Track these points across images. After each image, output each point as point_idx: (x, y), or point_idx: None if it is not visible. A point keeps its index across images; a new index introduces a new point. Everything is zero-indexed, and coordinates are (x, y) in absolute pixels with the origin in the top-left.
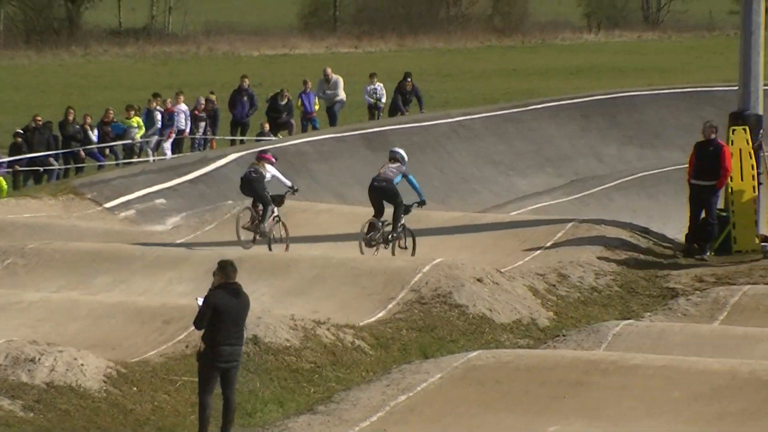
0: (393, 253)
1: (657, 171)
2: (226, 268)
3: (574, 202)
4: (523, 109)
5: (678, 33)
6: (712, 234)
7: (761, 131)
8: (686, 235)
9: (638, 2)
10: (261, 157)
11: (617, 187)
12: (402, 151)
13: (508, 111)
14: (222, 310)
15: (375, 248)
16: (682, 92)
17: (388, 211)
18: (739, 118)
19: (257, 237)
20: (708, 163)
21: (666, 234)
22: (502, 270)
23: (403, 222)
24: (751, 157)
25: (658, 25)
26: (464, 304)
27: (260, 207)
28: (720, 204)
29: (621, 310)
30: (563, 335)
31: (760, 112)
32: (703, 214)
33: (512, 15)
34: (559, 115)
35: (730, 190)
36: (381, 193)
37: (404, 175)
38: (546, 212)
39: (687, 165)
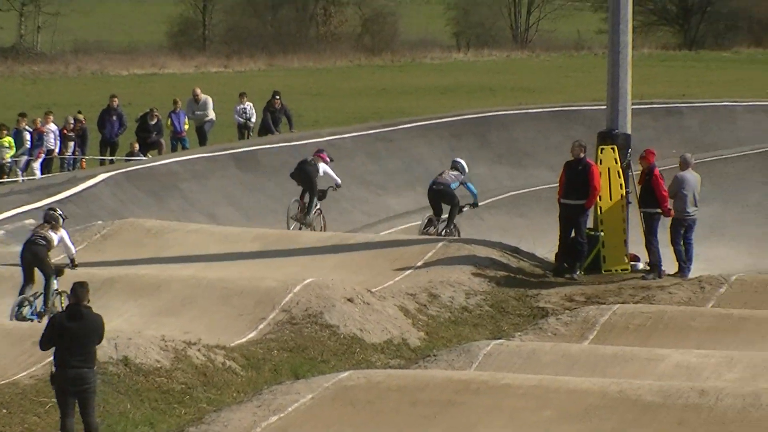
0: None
1: (527, 190)
2: (75, 290)
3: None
4: (394, 128)
5: (546, 52)
6: (581, 253)
7: (630, 150)
8: (556, 254)
9: (507, 21)
10: (318, 155)
11: (487, 207)
12: (463, 162)
13: (379, 130)
14: (63, 333)
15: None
16: (552, 111)
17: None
18: (607, 137)
19: (302, 227)
20: (577, 183)
21: (536, 253)
22: (373, 290)
23: (455, 221)
24: (619, 176)
25: (527, 44)
26: (335, 324)
27: (306, 198)
28: (589, 223)
29: (491, 329)
30: (434, 355)
31: (629, 131)
32: (573, 234)
33: (382, 34)
34: (430, 134)
35: (599, 210)
36: (438, 195)
37: (463, 183)
38: (417, 232)
39: (557, 184)
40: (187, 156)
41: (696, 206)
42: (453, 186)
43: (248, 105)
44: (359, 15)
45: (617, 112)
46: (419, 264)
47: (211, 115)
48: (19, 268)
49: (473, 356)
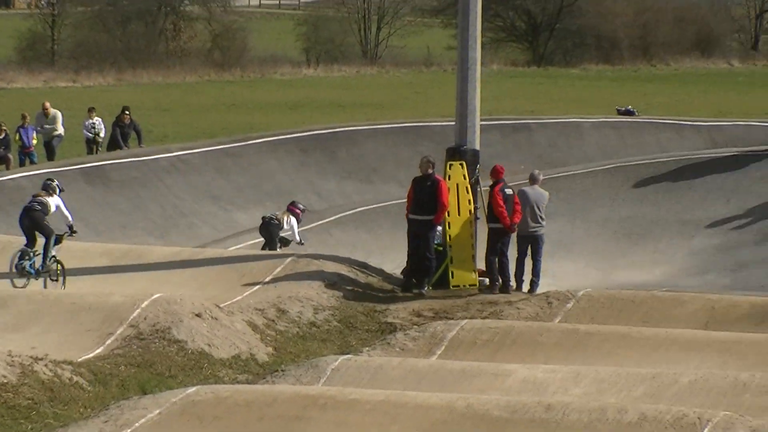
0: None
1: (376, 205)
2: None
3: (304, 236)
4: (243, 143)
5: (396, 68)
6: (430, 269)
7: (478, 166)
8: (404, 270)
9: (357, 37)
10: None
11: (336, 222)
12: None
13: (228, 145)
14: None
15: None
16: (401, 127)
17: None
18: (456, 153)
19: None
20: (425, 198)
21: (384, 269)
22: (221, 305)
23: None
24: (468, 192)
25: (377, 60)
26: (183, 339)
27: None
28: (438, 239)
29: (340, 344)
30: (282, 370)
31: (477, 147)
32: (421, 249)
33: (231, 50)
34: (279, 149)
35: (447, 225)
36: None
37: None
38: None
39: (405, 200)
40: (35, 171)
41: (540, 222)
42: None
43: (97, 120)
44: (209, 30)
45: (466, 128)
46: (268, 279)
47: (60, 129)
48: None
49: (321, 371)
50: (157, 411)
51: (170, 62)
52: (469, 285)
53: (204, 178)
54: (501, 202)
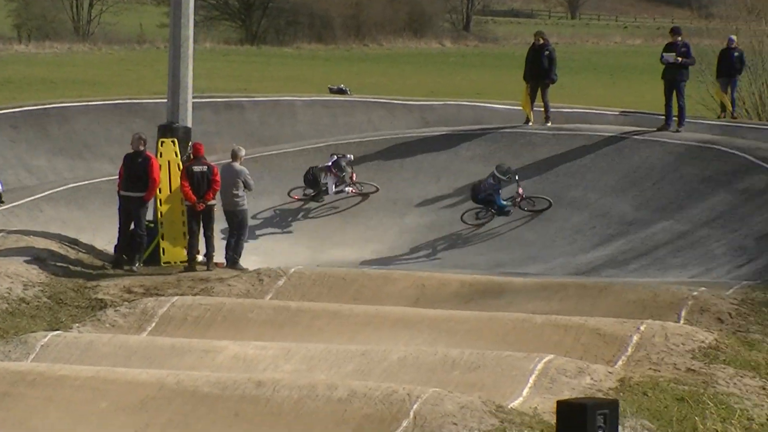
0: None
1: (87, 182)
2: None
3: (3, 213)
4: None
5: (108, 45)
6: (141, 245)
7: (191, 144)
8: (115, 246)
9: (69, 14)
10: None
11: (47, 198)
12: None
13: None
14: None
15: None
16: (113, 104)
17: None
18: (168, 130)
19: None
20: (137, 175)
21: (95, 245)
22: None
23: None
24: (179, 169)
25: (89, 36)
26: None
27: None
28: (149, 216)
29: (50, 321)
30: None
31: (189, 124)
32: (132, 226)
33: None
34: None
35: (159, 202)
36: None
37: None
38: None
39: (117, 176)
40: None
41: (239, 197)
42: None
43: None
44: None
45: (177, 105)
46: None
47: None
48: None
49: (30, 348)
50: None
51: None
52: (180, 262)
53: None
54: (184, 182)
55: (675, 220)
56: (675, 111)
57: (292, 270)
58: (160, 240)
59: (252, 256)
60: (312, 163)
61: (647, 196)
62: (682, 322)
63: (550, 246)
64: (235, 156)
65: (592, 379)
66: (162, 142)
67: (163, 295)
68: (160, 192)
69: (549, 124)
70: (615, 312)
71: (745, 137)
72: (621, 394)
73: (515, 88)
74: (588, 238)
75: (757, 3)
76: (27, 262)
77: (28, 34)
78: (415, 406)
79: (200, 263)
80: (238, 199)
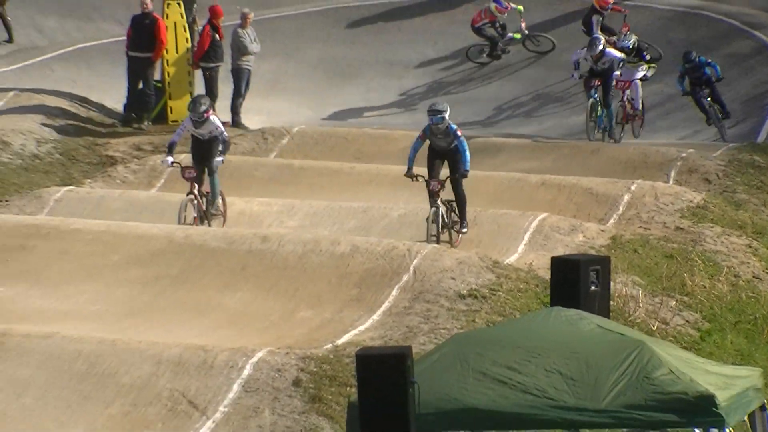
0: None
1: (96, 43)
2: None
3: (15, 72)
4: None
5: None
6: (149, 104)
7: (195, 7)
8: (125, 105)
9: None
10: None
11: (58, 58)
12: None
13: None
14: None
15: None
16: None
17: None
18: None
19: None
20: (144, 36)
21: (105, 104)
22: None
23: None
24: (185, 31)
25: None
26: None
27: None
28: (156, 75)
29: (62, 176)
30: (6, 201)
31: None
32: (141, 85)
33: None
34: None
35: (166, 62)
36: None
37: None
38: None
39: (125, 37)
40: None
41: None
42: None
43: None
44: None
45: None
46: None
47: None
48: None
49: (44, 202)
50: None
51: None
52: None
53: None
54: (206, 42)
55: (664, 84)
56: None
57: (296, 129)
58: (168, 99)
59: (256, 116)
60: (314, 27)
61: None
62: (671, 182)
63: (544, 106)
64: (243, 20)
65: (584, 236)
66: (168, 4)
67: (143, 158)
68: (167, 53)
69: None
70: (607, 172)
71: (731, 3)
72: (612, 251)
73: None
74: (580, 99)
75: None
76: (40, 119)
77: None
78: (415, 261)
79: None
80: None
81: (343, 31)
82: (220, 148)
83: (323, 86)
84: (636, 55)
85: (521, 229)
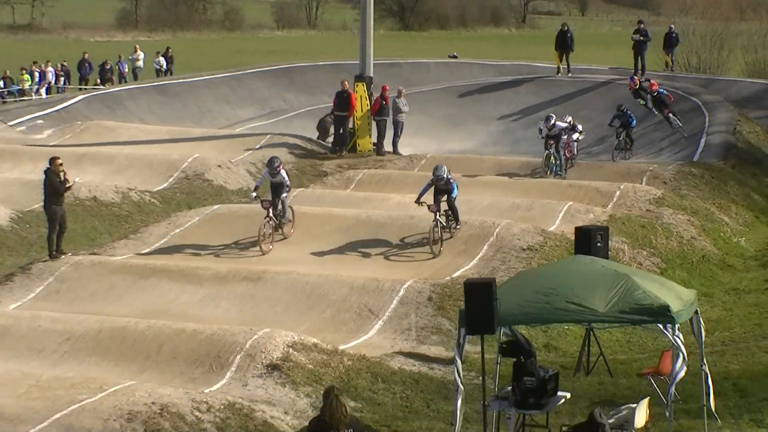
0: None
1: (314, 107)
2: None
3: (270, 124)
4: (244, 71)
5: (326, 30)
6: (346, 141)
7: (372, 86)
8: (332, 142)
9: (305, 11)
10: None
11: (295, 116)
12: None
13: (233, 73)
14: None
15: None
16: (330, 64)
17: None
18: (360, 78)
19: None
20: (343, 103)
21: (322, 142)
22: (232, 160)
23: None
24: (366, 99)
25: (315, 25)
26: (211, 179)
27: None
28: (350, 125)
29: (298, 183)
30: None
31: (371, 74)
32: (341, 131)
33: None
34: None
35: (355, 117)
36: None
37: None
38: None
39: (332, 105)
40: (127, 87)
41: (400, 115)
42: None
43: (150, 57)
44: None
45: (365, 64)
46: (257, 147)
47: (141, 63)
48: None
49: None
50: (197, 218)
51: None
52: (367, 150)
53: (221, 90)
54: (377, 105)
55: (639, 127)
56: (639, 67)
57: (429, 155)
58: (356, 138)
59: (407, 148)
60: (438, 95)
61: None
62: (644, 184)
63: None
64: (399, 93)
65: (593, 215)
66: (357, 85)
67: (358, 169)
68: (356, 112)
69: (569, 75)
70: (606, 178)
71: (679, 81)
72: (610, 224)
73: (551, 54)
74: (589, 137)
75: (686, 4)
76: (285, 151)
77: (282, 24)
78: (497, 229)
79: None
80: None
81: (456, 99)
82: (286, 189)
83: (444, 131)
84: (572, 127)
85: (557, 211)
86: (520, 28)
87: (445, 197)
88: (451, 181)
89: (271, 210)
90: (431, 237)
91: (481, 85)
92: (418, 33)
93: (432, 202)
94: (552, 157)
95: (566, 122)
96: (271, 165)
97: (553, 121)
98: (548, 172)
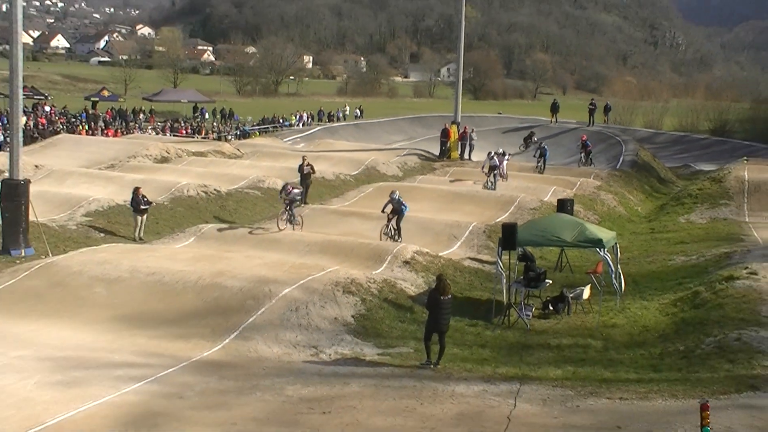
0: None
1: (420, 139)
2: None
3: (412, 144)
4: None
5: (407, 98)
6: (446, 153)
7: (458, 123)
8: (440, 152)
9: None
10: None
11: (421, 142)
12: None
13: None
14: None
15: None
16: (417, 117)
17: None
18: (453, 121)
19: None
20: (444, 135)
21: (433, 152)
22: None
23: None
24: (457, 132)
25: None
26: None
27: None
28: (447, 145)
29: (417, 175)
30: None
31: (459, 120)
32: (443, 147)
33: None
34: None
35: (450, 141)
36: None
37: None
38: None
39: (439, 136)
40: (340, 124)
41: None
42: None
43: None
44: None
45: (456, 115)
46: (403, 154)
47: None
48: None
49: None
50: (371, 188)
51: None
52: (455, 158)
53: (385, 127)
54: (456, 137)
55: (595, 150)
56: (591, 122)
57: (484, 161)
58: (450, 151)
59: (474, 158)
60: (490, 132)
61: (579, 149)
62: (592, 179)
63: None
64: (472, 130)
65: (566, 193)
66: (452, 125)
67: (450, 167)
68: (450, 138)
69: (557, 124)
70: (573, 175)
71: (610, 129)
72: (575, 198)
73: (548, 113)
74: (564, 156)
75: (617, 93)
76: (416, 157)
77: (417, 95)
78: (518, 199)
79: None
80: (472, 141)
81: (501, 134)
82: (296, 204)
83: (493, 149)
84: (503, 154)
85: (548, 191)
86: (533, 99)
87: (395, 217)
88: (403, 203)
89: (285, 207)
90: (381, 232)
91: (512, 127)
92: (482, 101)
93: (388, 216)
94: (493, 176)
95: (500, 152)
96: (284, 189)
97: (492, 154)
98: (489, 187)
